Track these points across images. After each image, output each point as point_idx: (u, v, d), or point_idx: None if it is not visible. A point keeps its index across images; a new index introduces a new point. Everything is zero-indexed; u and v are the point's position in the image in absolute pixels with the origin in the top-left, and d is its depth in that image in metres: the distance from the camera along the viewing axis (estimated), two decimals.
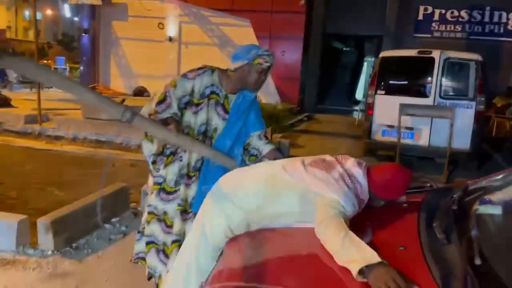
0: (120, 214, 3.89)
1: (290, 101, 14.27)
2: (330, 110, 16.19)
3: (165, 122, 2.11)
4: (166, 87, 2.22)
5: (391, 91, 6.80)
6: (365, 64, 19.49)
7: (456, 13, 13.73)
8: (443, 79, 6.45)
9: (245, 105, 2.33)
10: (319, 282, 1.34)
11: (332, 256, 1.39)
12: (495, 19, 13.49)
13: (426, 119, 6.40)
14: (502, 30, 13.49)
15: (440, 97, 6.39)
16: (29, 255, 3.06)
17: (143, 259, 2.42)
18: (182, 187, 2.25)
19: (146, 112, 2.18)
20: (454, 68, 6.52)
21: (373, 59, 17.48)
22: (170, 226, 2.28)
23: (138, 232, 2.46)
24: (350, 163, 1.78)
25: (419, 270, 1.30)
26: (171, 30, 15.62)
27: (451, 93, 6.58)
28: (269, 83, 13.59)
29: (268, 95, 13.08)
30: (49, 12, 37.22)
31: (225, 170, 2.09)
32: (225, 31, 15.12)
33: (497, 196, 1.74)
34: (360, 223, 1.65)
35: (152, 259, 2.31)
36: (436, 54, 6.39)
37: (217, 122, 2.29)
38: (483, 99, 6.23)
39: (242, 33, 14.42)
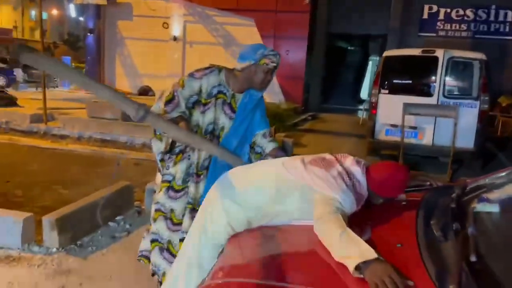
0: (124, 212, 3.92)
1: (295, 101, 14.28)
2: (334, 109, 16.18)
3: (174, 121, 2.14)
4: (173, 87, 2.24)
5: (395, 90, 6.79)
6: (370, 63, 19.45)
7: (461, 12, 13.68)
8: (447, 78, 6.42)
9: (252, 104, 2.36)
10: (318, 278, 1.36)
11: (330, 253, 1.41)
12: (501, 18, 13.42)
13: (430, 119, 6.38)
14: (507, 29, 13.43)
15: (444, 96, 6.37)
16: (34, 252, 3.09)
17: (146, 257, 2.45)
18: (191, 186, 2.28)
19: (156, 111, 2.21)
20: (458, 67, 6.50)
21: (378, 58, 17.43)
22: (177, 224, 2.30)
23: (147, 229, 2.49)
24: (349, 162, 1.80)
25: (415, 266, 1.32)
26: (176, 29, 15.68)
27: (455, 92, 6.56)
28: (273, 82, 13.53)
29: (272, 94, 13.09)
30: (55, 12, 37.48)
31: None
32: (230, 30, 15.16)
33: (495, 195, 1.76)
34: (359, 220, 1.68)
35: (156, 257, 2.35)
36: (439, 53, 6.37)
37: (224, 121, 2.32)
38: (487, 98, 6.20)
39: (247, 32, 14.46)
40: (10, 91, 13.39)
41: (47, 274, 2.85)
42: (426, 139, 6.49)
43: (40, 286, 2.71)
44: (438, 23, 13.95)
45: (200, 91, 2.25)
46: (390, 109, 6.56)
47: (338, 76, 19.06)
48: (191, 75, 2.27)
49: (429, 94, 6.47)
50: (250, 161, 2.38)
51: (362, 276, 1.26)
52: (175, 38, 15.68)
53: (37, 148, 7.30)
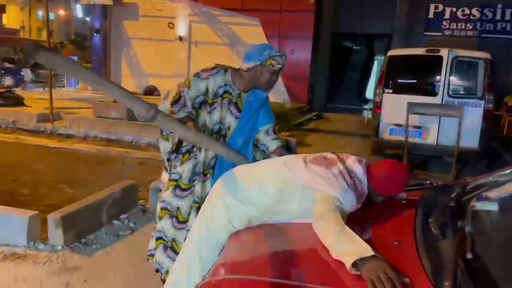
0: (129, 211, 3.96)
1: (300, 100, 14.28)
2: (339, 109, 16.16)
3: (181, 121, 2.16)
4: (179, 87, 2.25)
5: (399, 89, 6.77)
6: (376, 62, 19.38)
7: (467, 11, 13.60)
8: (451, 78, 6.40)
9: (257, 104, 2.38)
10: (317, 275, 1.38)
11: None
12: (507, 17, 13.33)
13: (434, 118, 6.36)
14: None
15: (448, 95, 6.36)
16: (40, 249, 3.14)
17: (153, 256, 2.47)
18: (197, 185, 2.31)
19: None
20: (463, 67, 6.47)
21: (383, 57, 17.37)
22: (182, 222, 2.33)
23: (154, 228, 2.51)
24: (351, 161, 1.81)
25: (411, 264, 1.33)
26: (181, 29, 15.72)
27: (460, 92, 6.53)
28: (279, 82, 13.46)
29: (277, 94, 13.09)
30: (62, 12, 37.70)
31: None
32: (235, 30, 15.17)
33: (494, 193, 1.77)
34: (359, 218, 1.69)
35: (160, 255, 2.36)
36: (444, 52, 6.35)
37: (231, 121, 2.34)
38: (491, 97, 6.18)
39: (252, 32, 14.46)
40: (18, 91, 13.50)
41: (52, 271, 2.89)
42: (431, 139, 6.47)
43: (45, 283, 2.75)
44: (444, 22, 13.89)
45: (207, 91, 2.27)
46: (394, 109, 6.55)
47: (343, 75, 19.02)
48: (197, 75, 2.28)
49: (434, 94, 6.45)
50: (254, 159, 2.40)
51: (359, 273, 1.28)
52: (180, 38, 15.73)
53: (44, 147, 7.38)
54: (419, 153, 6.72)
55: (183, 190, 2.33)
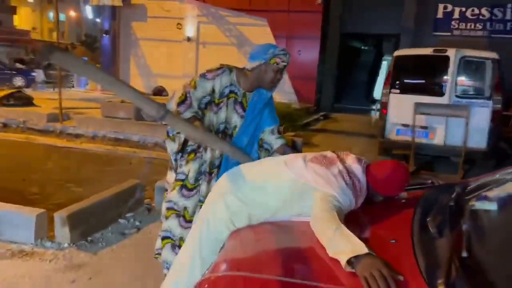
0: (135, 210, 4.00)
1: (307, 101, 14.28)
2: (347, 109, 16.12)
3: (188, 121, 2.18)
4: (185, 87, 2.28)
5: (406, 90, 6.73)
6: (384, 63, 19.28)
7: (476, 11, 13.48)
8: (459, 78, 6.35)
9: (261, 104, 2.40)
10: (316, 272, 1.39)
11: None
12: None
13: (441, 118, 6.32)
14: None
15: (456, 96, 6.31)
16: (47, 247, 3.19)
17: (160, 254, 2.50)
18: (203, 184, 2.33)
19: None
20: (470, 67, 6.41)
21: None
22: (189, 221, 2.34)
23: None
24: (351, 160, 1.83)
25: (407, 262, 1.34)
26: (189, 30, 15.80)
27: (467, 92, 6.48)
28: (286, 82, 13.62)
29: (284, 94, 13.10)
30: (72, 13, 38.04)
31: None
32: (243, 30, 15.21)
33: (494, 193, 1.77)
34: (358, 217, 1.71)
35: (168, 254, 2.38)
36: (451, 52, 6.30)
37: (236, 120, 2.37)
38: (500, 98, 6.12)
39: (259, 32, 14.49)
40: (28, 91, 13.66)
41: (58, 268, 2.94)
42: (437, 139, 6.43)
43: (51, 280, 2.80)
44: (453, 22, 13.77)
45: (213, 91, 2.29)
46: (401, 109, 6.52)
47: (351, 76, 18.97)
48: (202, 76, 2.30)
49: (441, 94, 6.41)
50: (259, 158, 2.42)
51: (353, 270, 1.29)
52: (188, 39, 15.81)
53: (53, 147, 7.47)
54: (426, 153, 6.68)
55: (190, 190, 2.35)
